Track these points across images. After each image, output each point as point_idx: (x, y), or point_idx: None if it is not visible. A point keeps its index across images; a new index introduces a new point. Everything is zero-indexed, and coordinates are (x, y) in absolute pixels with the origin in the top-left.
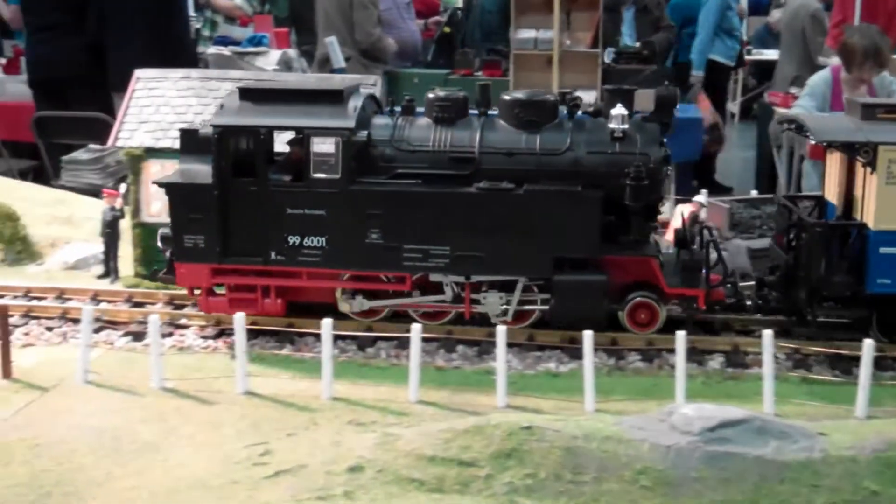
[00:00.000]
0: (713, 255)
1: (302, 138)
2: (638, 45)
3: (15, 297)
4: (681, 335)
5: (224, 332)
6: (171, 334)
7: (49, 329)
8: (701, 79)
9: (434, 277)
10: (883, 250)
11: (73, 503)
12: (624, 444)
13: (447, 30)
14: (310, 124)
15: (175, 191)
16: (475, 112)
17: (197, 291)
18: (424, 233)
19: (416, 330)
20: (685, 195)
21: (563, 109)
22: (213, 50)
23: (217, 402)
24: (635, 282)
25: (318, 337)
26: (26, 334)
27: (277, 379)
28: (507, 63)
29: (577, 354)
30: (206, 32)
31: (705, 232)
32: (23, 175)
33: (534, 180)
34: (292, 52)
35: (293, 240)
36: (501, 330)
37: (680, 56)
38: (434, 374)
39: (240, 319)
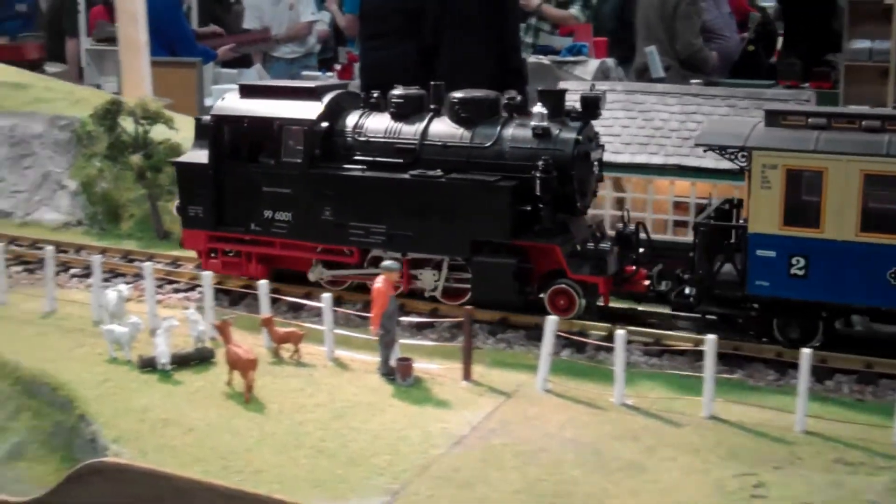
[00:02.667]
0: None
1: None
2: None
3: None
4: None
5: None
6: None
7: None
8: None
9: (375, 252)
10: (759, 252)
11: None
12: None
13: (751, 48)
14: (281, 115)
15: (181, 169)
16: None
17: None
18: (366, 213)
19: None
20: None
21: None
22: (532, 59)
23: (683, 423)
24: (557, 269)
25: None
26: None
27: (742, 405)
28: (836, 74)
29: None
30: (528, 40)
31: (640, 228)
32: None
33: (464, 170)
34: (610, 62)
35: (267, 213)
36: None
37: None
38: None
39: (712, 343)
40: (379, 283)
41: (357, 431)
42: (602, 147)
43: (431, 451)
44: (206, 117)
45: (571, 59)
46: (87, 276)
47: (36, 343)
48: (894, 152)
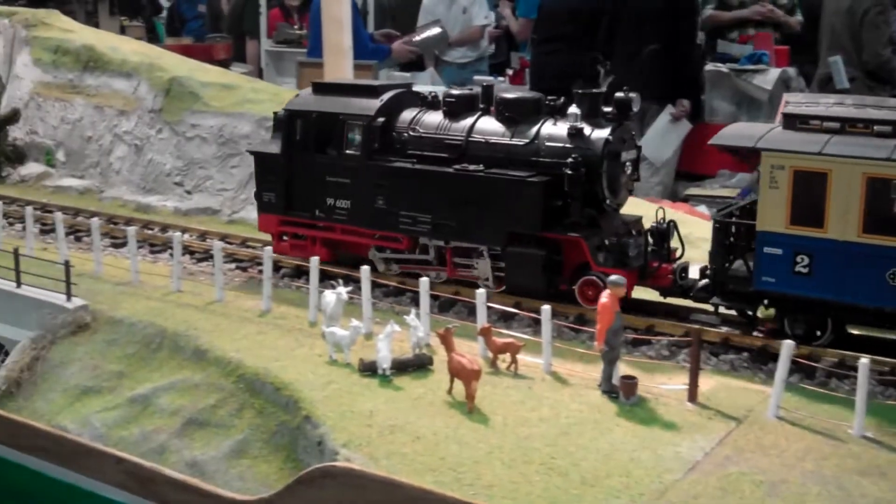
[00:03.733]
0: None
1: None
2: None
3: None
4: None
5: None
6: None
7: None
8: None
9: (422, 240)
10: (767, 250)
11: None
12: None
13: None
14: (344, 111)
15: (258, 157)
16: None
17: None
18: (414, 203)
19: None
20: None
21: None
22: (710, 67)
23: None
24: (586, 262)
25: None
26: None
27: None
28: None
29: None
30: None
31: (672, 225)
32: None
33: (504, 166)
34: (792, 71)
35: (330, 201)
36: None
37: None
38: None
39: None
40: (604, 298)
41: (586, 450)
42: (638, 147)
43: (666, 477)
44: (281, 111)
45: (751, 67)
46: (299, 276)
47: (256, 342)
48: None
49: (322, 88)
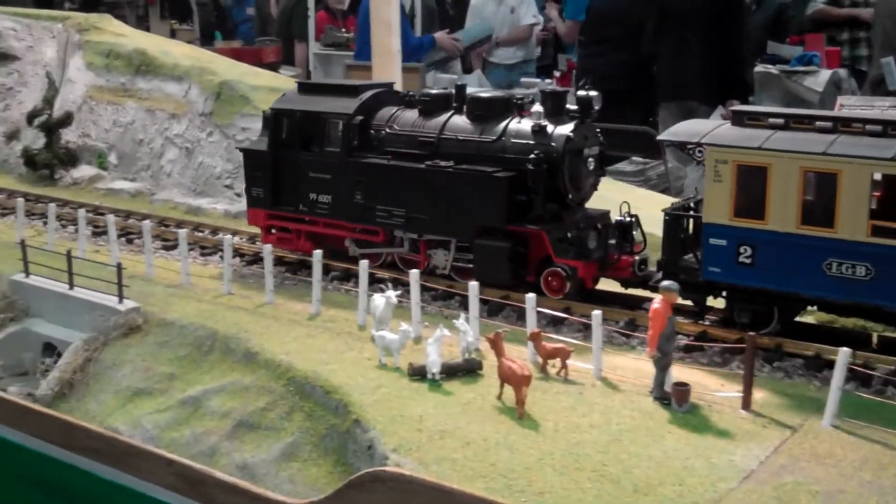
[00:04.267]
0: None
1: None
2: None
3: None
4: None
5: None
6: None
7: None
8: None
9: (396, 233)
10: (712, 241)
11: None
12: None
13: None
14: (324, 110)
15: (246, 154)
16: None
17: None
18: (389, 197)
19: None
20: None
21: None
22: (759, 68)
23: None
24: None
25: None
26: None
27: None
28: None
29: None
30: None
31: (633, 220)
32: None
33: (473, 162)
34: (843, 73)
35: (312, 196)
36: None
37: None
38: None
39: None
40: (657, 304)
41: (638, 457)
42: (602, 144)
43: (720, 486)
44: (268, 110)
45: (801, 69)
46: (346, 279)
47: (306, 345)
48: (833, 151)
49: (306, 88)
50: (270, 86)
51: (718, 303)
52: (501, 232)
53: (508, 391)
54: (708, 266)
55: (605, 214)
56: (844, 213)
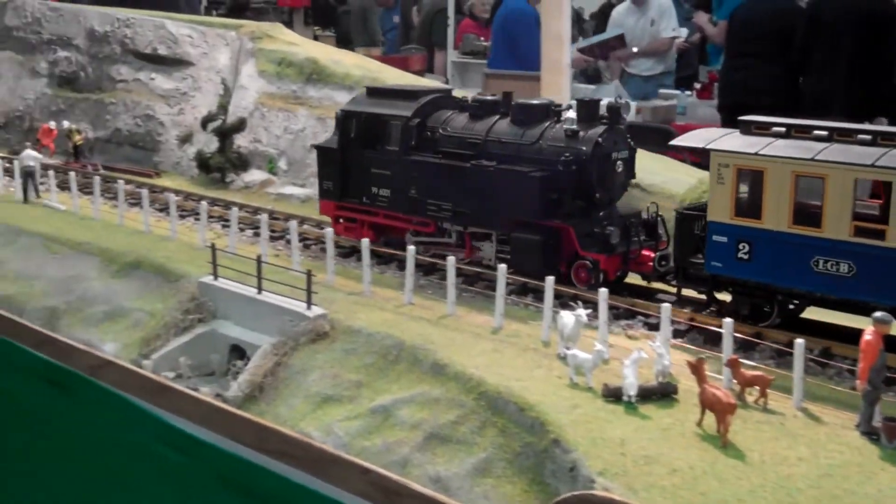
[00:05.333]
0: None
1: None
2: None
3: None
4: None
5: None
6: None
7: None
8: None
9: (444, 225)
10: (715, 238)
11: None
12: None
13: None
14: (386, 112)
15: (319, 151)
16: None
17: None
18: (438, 192)
19: None
20: None
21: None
22: None
23: None
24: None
25: None
26: None
27: None
28: None
29: None
30: None
31: (658, 218)
32: None
33: (513, 162)
34: None
35: (374, 190)
36: None
37: None
38: None
39: None
40: (868, 335)
41: (854, 495)
42: (632, 149)
43: None
44: (339, 111)
45: None
46: (522, 293)
47: (493, 359)
48: (820, 157)
49: (373, 92)
50: None
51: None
52: (535, 226)
53: (709, 418)
54: (711, 261)
55: (636, 213)
56: (830, 215)
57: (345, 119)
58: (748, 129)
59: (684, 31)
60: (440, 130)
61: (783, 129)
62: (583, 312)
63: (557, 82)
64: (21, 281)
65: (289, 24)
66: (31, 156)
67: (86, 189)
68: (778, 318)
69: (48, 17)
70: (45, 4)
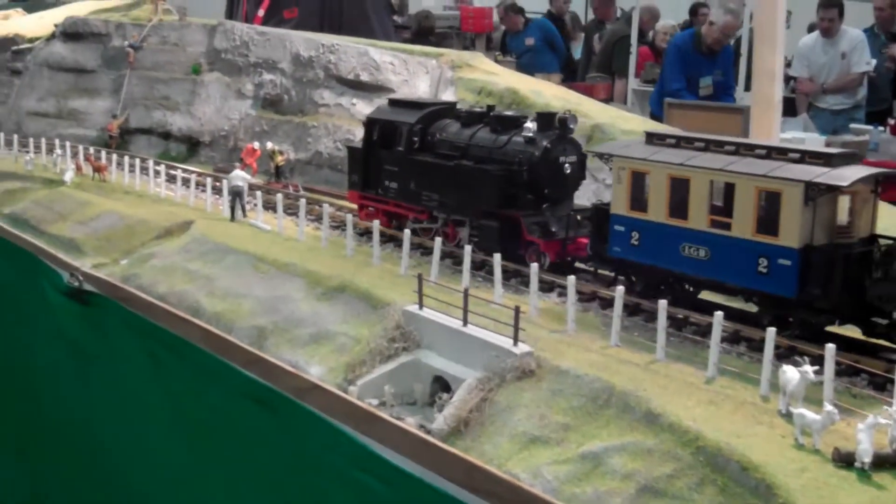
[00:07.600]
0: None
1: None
2: None
3: None
4: None
5: None
6: None
7: None
8: None
9: (434, 212)
10: (616, 227)
11: None
12: None
13: None
14: (396, 119)
15: (349, 150)
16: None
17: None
18: (430, 186)
19: None
20: None
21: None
22: None
23: None
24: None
25: None
26: None
27: None
28: None
29: None
30: None
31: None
32: None
33: (487, 162)
34: None
35: (386, 182)
36: None
37: None
38: None
39: None
40: None
41: None
42: (581, 155)
43: None
44: (365, 118)
45: None
46: (734, 341)
47: (710, 412)
48: (687, 163)
49: (392, 103)
50: (643, 129)
51: None
52: (495, 215)
53: None
54: (613, 246)
55: (585, 209)
56: (693, 209)
57: (369, 124)
58: (651, 140)
59: (874, 62)
60: (437, 135)
61: (673, 141)
62: (809, 369)
63: (769, 119)
64: (230, 299)
65: (470, 49)
66: (240, 176)
67: (289, 210)
68: (669, 296)
69: (255, 41)
70: (253, 29)
